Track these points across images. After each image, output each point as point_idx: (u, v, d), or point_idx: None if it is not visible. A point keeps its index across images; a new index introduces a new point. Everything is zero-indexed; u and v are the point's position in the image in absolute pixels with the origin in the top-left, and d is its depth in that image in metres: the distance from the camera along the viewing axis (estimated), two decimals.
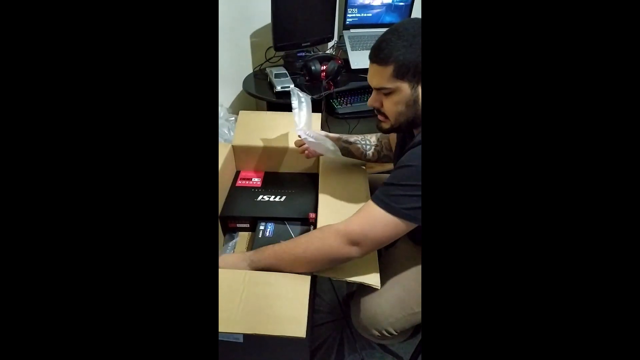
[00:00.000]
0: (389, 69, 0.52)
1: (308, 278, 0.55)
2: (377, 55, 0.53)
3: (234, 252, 0.79)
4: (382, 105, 0.57)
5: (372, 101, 0.59)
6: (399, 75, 0.52)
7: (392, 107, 0.56)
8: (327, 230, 0.55)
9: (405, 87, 0.53)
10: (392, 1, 1.33)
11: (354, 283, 0.57)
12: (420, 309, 0.64)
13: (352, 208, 0.71)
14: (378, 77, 0.54)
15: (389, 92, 0.55)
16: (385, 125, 0.60)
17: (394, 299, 0.64)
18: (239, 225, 0.84)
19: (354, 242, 0.53)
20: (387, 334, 0.65)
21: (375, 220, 0.52)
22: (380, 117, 0.60)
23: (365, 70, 1.31)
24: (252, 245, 0.76)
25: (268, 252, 0.58)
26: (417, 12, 1.38)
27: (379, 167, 1.42)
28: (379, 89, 0.56)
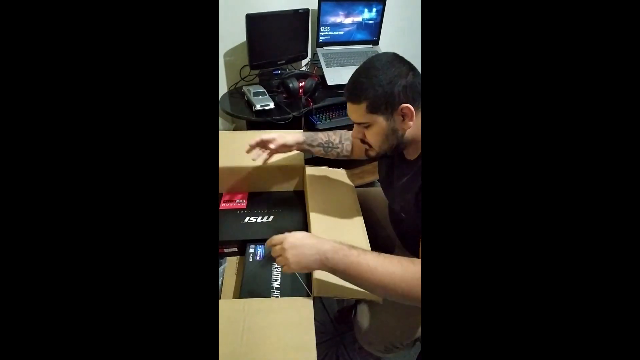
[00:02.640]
0: (363, 106, 0.57)
1: (310, 300, 0.53)
2: (350, 95, 0.58)
3: (222, 279, 0.75)
4: (364, 136, 0.61)
5: (355, 133, 0.63)
6: (373, 110, 0.56)
7: (372, 138, 0.60)
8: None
9: (380, 120, 0.57)
10: (362, 19, 1.38)
11: (356, 299, 0.56)
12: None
13: (345, 223, 0.71)
14: (355, 114, 0.59)
15: (367, 126, 0.59)
16: (372, 153, 0.64)
17: (398, 311, 0.64)
18: (226, 249, 0.80)
19: None
20: (393, 347, 0.64)
21: None
22: (365, 146, 0.64)
23: (341, 86, 1.35)
24: (244, 270, 0.72)
25: (350, 261, 0.49)
26: (385, 30, 1.44)
27: (360, 181, 1.44)
28: (358, 124, 0.60)
